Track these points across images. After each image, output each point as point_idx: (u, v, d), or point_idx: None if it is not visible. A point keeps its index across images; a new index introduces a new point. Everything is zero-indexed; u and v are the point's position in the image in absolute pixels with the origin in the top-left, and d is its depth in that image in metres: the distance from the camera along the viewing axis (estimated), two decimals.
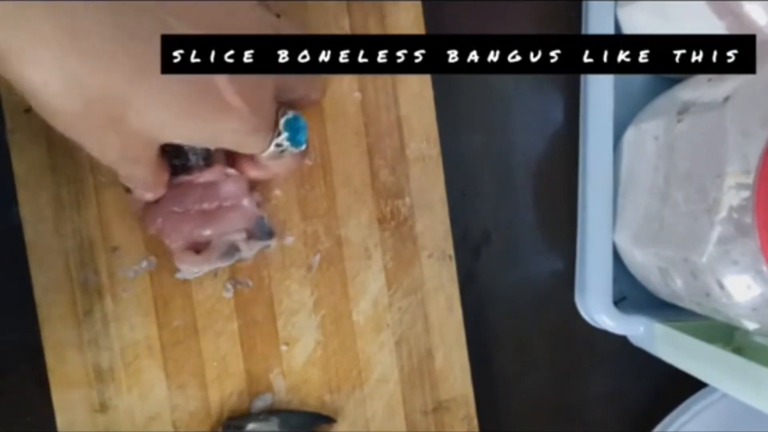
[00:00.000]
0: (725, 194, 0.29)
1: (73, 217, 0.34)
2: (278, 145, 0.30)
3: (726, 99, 0.31)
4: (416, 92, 0.37)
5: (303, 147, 0.31)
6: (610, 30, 0.38)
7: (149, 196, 0.32)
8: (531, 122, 0.41)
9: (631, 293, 0.40)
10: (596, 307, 0.39)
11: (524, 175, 0.41)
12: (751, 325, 0.31)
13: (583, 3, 0.39)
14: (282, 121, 0.30)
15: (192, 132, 0.27)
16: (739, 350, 0.35)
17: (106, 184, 0.35)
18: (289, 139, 0.30)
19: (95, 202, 0.35)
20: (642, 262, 0.37)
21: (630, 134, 0.39)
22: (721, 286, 0.30)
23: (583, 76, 0.39)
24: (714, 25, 0.33)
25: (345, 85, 0.37)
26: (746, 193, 0.28)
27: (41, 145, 0.34)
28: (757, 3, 0.31)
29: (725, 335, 0.36)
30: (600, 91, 0.38)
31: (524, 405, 0.42)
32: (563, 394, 0.42)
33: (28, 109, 0.33)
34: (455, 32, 0.40)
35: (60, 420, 0.34)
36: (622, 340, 0.41)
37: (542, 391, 0.42)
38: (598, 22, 0.38)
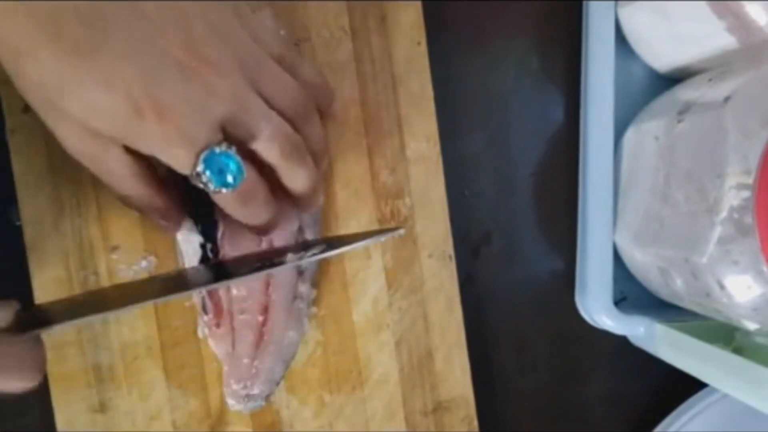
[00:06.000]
0: (726, 194, 0.29)
1: (72, 217, 0.34)
2: (198, 175, 0.27)
3: (726, 99, 0.31)
4: (416, 92, 0.37)
5: (230, 188, 0.28)
6: (610, 30, 0.38)
7: (166, 225, 0.32)
8: (531, 122, 0.41)
9: (632, 293, 0.40)
10: (596, 307, 0.39)
11: (524, 175, 0.41)
12: (751, 326, 0.31)
13: (584, 3, 0.39)
14: (202, 155, 0.27)
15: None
16: (739, 350, 0.35)
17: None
18: (208, 175, 0.27)
19: (95, 201, 0.35)
20: (642, 262, 0.37)
21: (630, 134, 0.39)
22: (722, 287, 0.30)
23: (583, 76, 0.39)
24: (714, 25, 0.33)
25: (346, 84, 0.37)
26: (746, 194, 0.28)
27: (41, 146, 0.34)
28: (758, 3, 0.31)
29: (725, 335, 0.36)
30: (600, 91, 0.38)
31: (524, 405, 0.42)
32: (563, 394, 0.42)
33: (28, 109, 0.33)
34: (455, 32, 0.40)
35: (59, 420, 0.34)
36: (622, 340, 0.41)
37: (542, 391, 0.42)
38: (598, 22, 0.38)
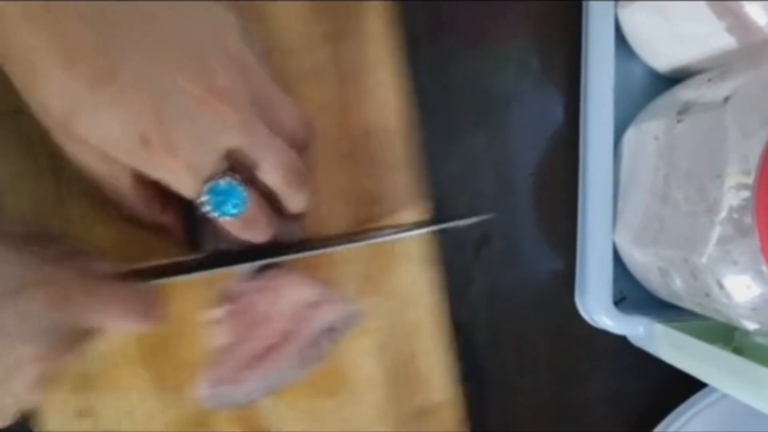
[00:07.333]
0: (725, 194, 0.29)
1: (57, 219, 0.34)
2: (202, 204, 0.28)
3: (726, 99, 0.31)
4: (390, 99, 0.37)
5: (232, 217, 0.28)
6: (610, 30, 0.38)
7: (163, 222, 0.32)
8: (531, 122, 0.41)
9: (631, 293, 0.40)
10: (596, 307, 0.39)
11: (524, 175, 0.41)
12: (751, 326, 0.31)
13: (584, 3, 0.39)
14: (207, 186, 0.27)
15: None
16: (739, 350, 0.35)
17: (87, 189, 0.33)
18: (212, 204, 0.28)
19: (78, 203, 0.34)
20: (642, 262, 0.37)
21: (630, 134, 0.39)
22: (721, 287, 0.30)
23: (583, 76, 0.39)
24: (714, 25, 0.33)
25: (319, 91, 0.36)
26: (746, 194, 0.28)
27: (25, 148, 0.33)
28: (757, 3, 0.31)
29: (725, 335, 0.36)
30: (600, 91, 0.38)
31: (524, 405, 0.42)
32: (563, 394, 0.42)
33: (11, 112, 0.33)
34: (455, 32, 0.40)
35: (44, 425, 0.34)
36: (622, 340, 0.41)
37: (542, 391, 0.42)
38: (598, 22, 0.38)
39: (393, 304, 0.37)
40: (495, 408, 0.41)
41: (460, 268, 0.39)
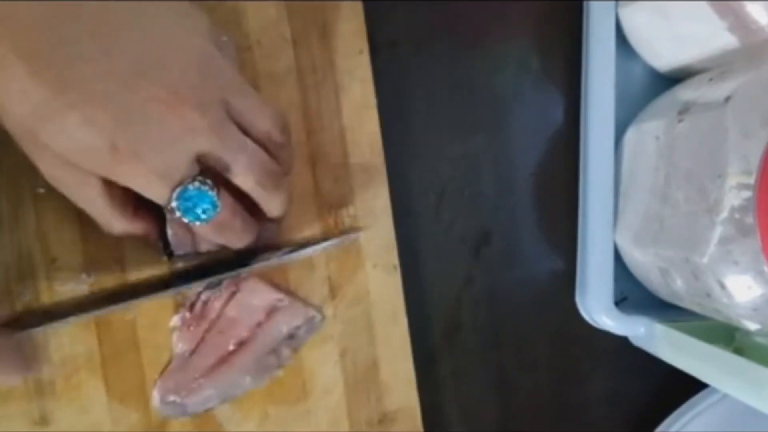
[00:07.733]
0: (726, 194, 0.29)
1: (11, 229, 0.33)
2: (172, 210, 0.28)
3: (727, 99, 0.31)
4: (359, 102, 0.36)
5: (204, 222, 0.28)
6: (611, 30, 0.38)
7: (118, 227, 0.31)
8: (531, 122, 0.41)
9: (632, 293, 0.40)
10: (597, 307, 0.39)
11: (524, 175, 0.41)
12: (751, 326, 0.31)
13: (584, 3, 0.39)
14: (176, 191, 0.27)
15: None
16: (739, 351, 0.35)
17: (44, 195, 0.33)
18: (182, 209, 0.27)
19: (34, 213, 0.33)
20: (642, 262, 0.37)
21: (631, 134, 0.39)
22: (722, 287, 0.30)
23: (584, 76, 0.39)
24: (715, 25, 0.33)
25: (287, 93, 0.36)
26: (747, 194, 0.28)
27: None
28: (759, 3, 0.31)
29: (726, 336, 0.36)
30: (601, 91, 0.38)
31: (524, 405, 0.42)
32: (563, 394, 0.42)
33: None
34: (455, 32, 0.40)
35: None
36: (623, 340, 0.41)
37: (542, 391, 0.42)
38: (598, 22, 0.38)
39: (357, 310, 0.37)
40: (495, 408, 0.41)
41: (460, 268, 0.38)
